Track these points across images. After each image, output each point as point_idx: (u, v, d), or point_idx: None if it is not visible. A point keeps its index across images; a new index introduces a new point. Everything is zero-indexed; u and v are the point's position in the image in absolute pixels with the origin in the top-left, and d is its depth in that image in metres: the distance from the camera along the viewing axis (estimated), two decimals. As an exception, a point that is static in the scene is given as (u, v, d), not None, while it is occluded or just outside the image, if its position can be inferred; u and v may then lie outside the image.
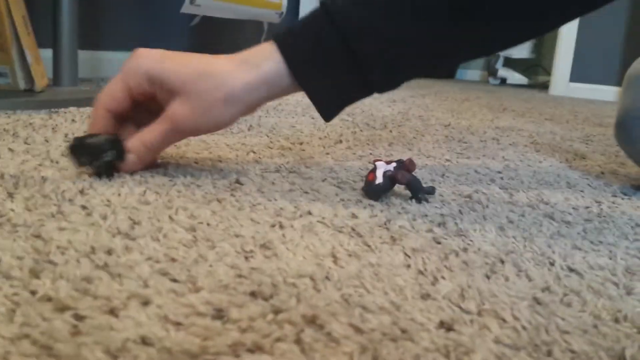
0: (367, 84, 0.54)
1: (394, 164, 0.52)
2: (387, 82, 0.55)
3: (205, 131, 0.55)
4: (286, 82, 0.53)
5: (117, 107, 0.54)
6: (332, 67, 0.53)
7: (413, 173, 0.52)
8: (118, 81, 0.53)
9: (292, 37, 0.53)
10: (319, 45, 0.52)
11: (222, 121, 0.54)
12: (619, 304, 0.33)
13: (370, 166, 0.67)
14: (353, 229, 0.43)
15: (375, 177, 0.52)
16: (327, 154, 0.74)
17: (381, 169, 0.52)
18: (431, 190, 0.53)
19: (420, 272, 0.36)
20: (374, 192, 0.52)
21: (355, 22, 0.51)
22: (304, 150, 0.76)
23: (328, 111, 0.57)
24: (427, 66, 0.58)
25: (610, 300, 0.33)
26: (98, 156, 0.51)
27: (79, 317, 0.27)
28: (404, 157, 0.62)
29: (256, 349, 0.26)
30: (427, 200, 0.53)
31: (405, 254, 0.39)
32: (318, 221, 0.44)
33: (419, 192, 0.52)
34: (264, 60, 0.53)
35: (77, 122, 0.83)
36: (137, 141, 0.53)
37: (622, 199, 0.61)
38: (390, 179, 0.51)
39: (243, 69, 0.52)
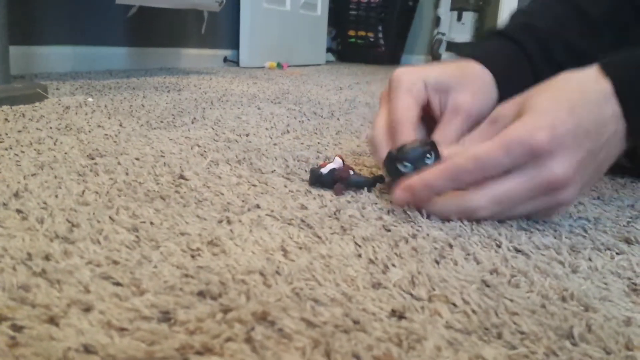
0: None
1: (351, 172, 0.53)
2: None
3: (486, 112, 0.51)
4: None
5: (415, 118, 0.52)
6: None
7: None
8: (406, 95, 0.53)
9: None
10: None
11: (495, 99, 0.55)
12: (565, 282, 0.34)
13: (322, 157, 0.67)
14: (303, 221, 0.42)
15: (324, 166, 0.53)
16: (275, 144, 0.73)
17: (334, 164, 0.52)
18: (380, 180, 0.54)
19: (371, 261, 0.36)
20: (314, 177, 0.53)
21: None
22: (250, 142, 0.74)
23: None
24: None
25: (557, 279, 0.34)
26: (420, 162, 0.47)
27: (16, 328, 0.26)
28: (352, 146, 0.62)
29: (205, 350, 0.25)
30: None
31: (356, 244, 0.38)
32: (267, 214, 0.43)
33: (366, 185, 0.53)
34: None
35: (10, 122, 0.79)
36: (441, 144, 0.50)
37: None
38: (333, 175, 0.52)
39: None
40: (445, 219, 0.44)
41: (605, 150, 0.43)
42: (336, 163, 0.53)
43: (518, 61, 0.58)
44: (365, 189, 0.52)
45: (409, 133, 0.51)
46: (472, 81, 0.54)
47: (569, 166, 0.40)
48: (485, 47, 0.60)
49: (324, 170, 0.52)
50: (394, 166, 0.47)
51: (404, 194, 0.45)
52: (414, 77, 0.54)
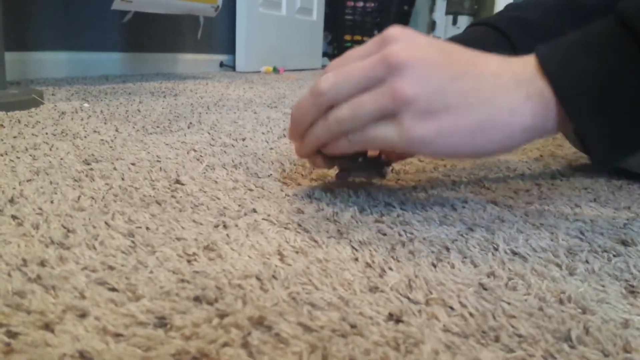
0: None
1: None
2: None
3: None
4: None
5: None
6: None
7: None
8: None
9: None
10: None
11: None
12: (562, 285, 0.34)
13: None
14: (299, 225, 0.42)
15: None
16: (271, 149, 0.73)
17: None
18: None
19: (368, 265, 0.35)
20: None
21: None
22: (246, 146, 0.74)
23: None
24: None
25: (554, 281, 0.34)
26: None
27: (11, 334, 0.26)
28: None
29: (201, 356, 0.25)
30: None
31: (353, 247, 0.38)
32: (263, 219, 0.43)
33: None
34: None
35: (5, 127, 0.79)
36: None
37: (561, 180, 0.62)
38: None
39: None
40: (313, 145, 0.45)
41: (479, 95, 0.38)
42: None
43: (498, 45, 0.56)
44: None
45: None
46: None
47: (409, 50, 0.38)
48: (465, 33, 0.59)
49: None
50: None
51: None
52: None
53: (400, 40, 0.39)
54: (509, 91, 0.38)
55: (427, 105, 0.38)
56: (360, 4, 3.62)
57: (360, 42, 3.69)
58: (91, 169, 0.56)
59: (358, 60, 0.41)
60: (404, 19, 3.83)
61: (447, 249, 0.39)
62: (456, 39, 0.56)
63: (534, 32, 0.56)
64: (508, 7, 0.62)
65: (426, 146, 0.39)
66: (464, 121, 0.38)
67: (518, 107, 0.38)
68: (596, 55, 0.37)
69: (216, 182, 0.54)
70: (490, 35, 0.57)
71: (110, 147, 0.69)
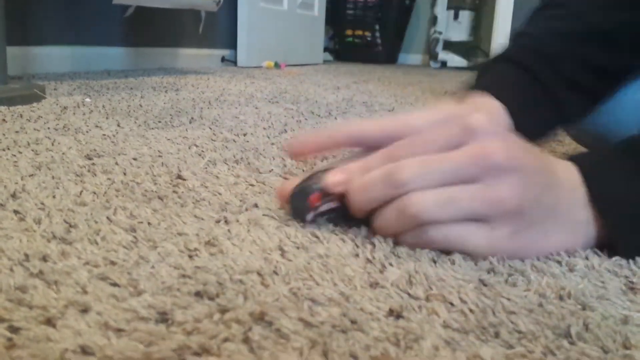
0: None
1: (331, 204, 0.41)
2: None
3: None
4: None
5: None
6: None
7: None
8: None
9: None
10: None
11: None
12: (562, 281, 0.34)
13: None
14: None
15: (318, 205, 0.40)
16: (272, 144, 0.73)
17: (327, 205, 0.41)
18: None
19: (369, 261, 0.36)
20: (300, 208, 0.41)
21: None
22: (248, 141, 0.74)
23: None
24: None
25: (554, 278, 0.34)
26: None
27: (13, 329, 0.26)
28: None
29: (203, 351, 0.25)
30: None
31: (354, 243, 0.38)
32: (264, 214, 0.43)
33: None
34: None
35: (7, 122, 0.79)
36: None
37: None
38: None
39: None
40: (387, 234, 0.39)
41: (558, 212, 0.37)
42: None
43: (531, 89, 0.54)
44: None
45: None
46: (484, 110, 0.49)
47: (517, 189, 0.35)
48: (494, 76, 0.56)
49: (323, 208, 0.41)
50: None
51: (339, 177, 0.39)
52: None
53: (490, 134, 0.36)
54: (583, 208, 0.38)
55: (523, 218, 0.36)
56: (362, -1, 3.61)
57: (361, 37, 3.69)
58: (93, 164, 0.56)
59: (433, 144, 0.37)
60: (406, 14, 3.82)
61: (448, 245, 0.39)
62: (494, 82, 0.54)
63: (560, 66, 0.54)
64: (522, 38, 0.58)
65: (502, 254, 0.37)
66: (548, 239, 0.37)
67: (585, 226, 0.38)
68: None
69: (217, 177, 0.54)
70: (522, 78, 0.54)
71: (112, 142, 0.69)
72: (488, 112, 0.50)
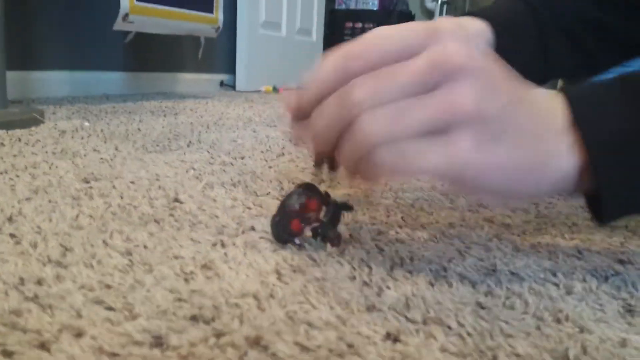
0: None
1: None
2: None
3: None
4: None
5: None
6: None
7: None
8: None
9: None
10: None
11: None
12: (559, 304, 0.34)
13: (316, 180, 0.67)
14: (297, 243, 0.42)
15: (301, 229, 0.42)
16: (270, 167, 0.73)
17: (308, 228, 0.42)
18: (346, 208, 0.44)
19: (366, 284, 0.35)
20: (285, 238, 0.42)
21: None
22: (245, 164, 0.75)
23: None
24: None
25: (552, 300, 0.34)
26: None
27: (7, 354, 0.26)
28: None
29: (197, 376, 0.25)
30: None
31: (351, 266, 0.38)
32: (261, 237, 0.43)
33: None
34: None
35: (6, 146, 0.79)
36: None
37: (558, 199, 0.62)
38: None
39: None
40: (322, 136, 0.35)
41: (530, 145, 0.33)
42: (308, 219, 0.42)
43: (523, 19, 0.52)
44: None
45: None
46: (466, 33, 0.48)
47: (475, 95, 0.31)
48: (490, 5, 0.54)
49: (298, 241, 0.42)
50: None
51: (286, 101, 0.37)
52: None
53: (455, 39, 0.32)
54: (560, 135, 0.33)
55: (486, 127, 0.31)
56: (359, 25, 3.65)
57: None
58: (90, 188, 0.56)
59: (393, 53, 0.32)
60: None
61: (445, 269, 0.39)
62: (486, 8, 0.52)
63: (561, 9, 0.53)
64: None
65: (469, 177, 0.32)
66: (514, 157, 0.32)
67: (563, 154, 0.33)
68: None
69: (215, 200, 0.54)
70: (517, 7, 0.53)
71: (110, 165, 0.69)
72: (467, 28, 0.47)
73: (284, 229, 0.41)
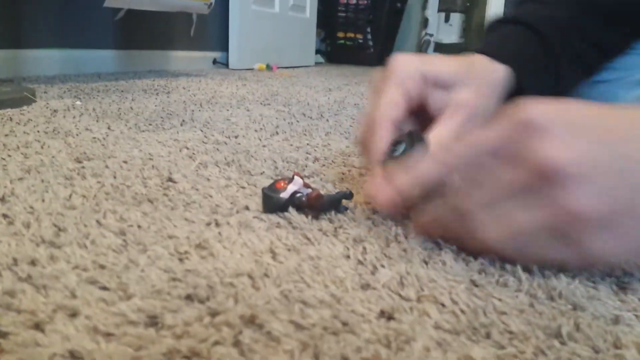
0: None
1: (308, 190, 0.45)
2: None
3: (492, 112, 0.47)
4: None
5: (400, 115, 0.46)
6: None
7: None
8: (394, 88, 0.46)
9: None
10: None
11: (503, 98, 0.51)
12: (553, 281, 0.34)
13: (311, 158, 0.67)
14: (291, 222, 0.42)
15: (282, 187, 0.45)
16: (264, 146, 0.73)
17: (295, 185, 0.45)
18: (348, 196, 0.46)
19: (360, 262, 0.35)
20: (271, 203, 0.45)
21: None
22: (239, 143, 0.74)
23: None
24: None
25: (545, 278, 0.34)
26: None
27: (1, 334, 0.26)
28: (335, 154, 0.61)
29: (193, 355, 0.25)
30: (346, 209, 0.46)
31: (345, 245, 0.38)
32: (255, 216, 0.43)
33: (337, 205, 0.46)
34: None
35: (-4, 125, 0.78)
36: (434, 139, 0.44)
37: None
38: (300, 201, 0.45)
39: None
40: (429, 234, 0.39)
41: None
42: (296, 184, 0.45)
43: (537, 52, 0.53)
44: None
45: (385, 134, 0.44)
46: (479, 78, 0.49)
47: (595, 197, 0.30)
48: (498, 37, 0.55)
49: (285, 195, 0.44)
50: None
51: (385, 192, 0.39)
52: (411, 68, 0.47)
53: (549, 131, 0.31)
54: None
55: (608, 215, 0.30)
56: (353, 1, 3.62)
57: (353, 40, 3.69)
58: (83, 167, 0.56)
59: (490, 158, 0.33)
60: (397, 17, 3.83)
61: (439, 247, 0.39)
62: (498, 44, 0.53)
63: (568, 34, 0.54)
64: (527, 3, 0.58)
65: (608, 258, 0.33)
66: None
67: None
68: None
69: (208, 179, 0.54)
70: (528, 40, 0.54)
71: (102, 145, 0.68)
72: (483, 75, 0.50)
73: (269, 188, 0.45)
